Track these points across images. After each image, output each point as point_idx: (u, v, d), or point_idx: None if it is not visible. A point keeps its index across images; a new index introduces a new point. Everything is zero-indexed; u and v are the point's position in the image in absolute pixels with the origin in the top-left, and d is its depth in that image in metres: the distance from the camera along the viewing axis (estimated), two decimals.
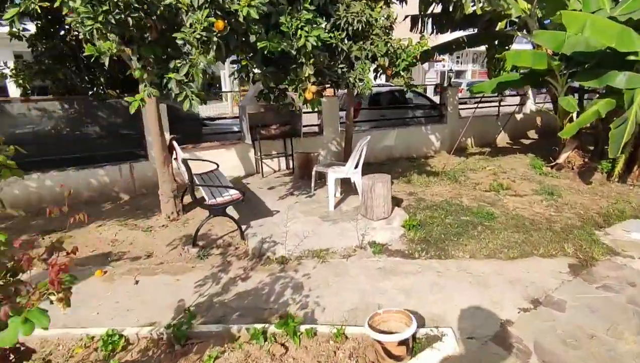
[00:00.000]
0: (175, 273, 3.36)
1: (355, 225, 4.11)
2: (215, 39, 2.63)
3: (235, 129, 7.36)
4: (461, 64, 32.75)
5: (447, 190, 5.60)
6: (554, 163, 6.51)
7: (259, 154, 6.30)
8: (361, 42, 3.66)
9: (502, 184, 5.69)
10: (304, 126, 7.22)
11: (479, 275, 3.28)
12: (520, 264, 3.46)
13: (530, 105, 9.84)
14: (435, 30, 7.52)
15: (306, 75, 3.24)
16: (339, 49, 3.57)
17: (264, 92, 3.71)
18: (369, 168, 7.15)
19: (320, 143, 7.07)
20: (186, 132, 6.19)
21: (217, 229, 4.25)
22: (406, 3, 5.72)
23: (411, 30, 7.76)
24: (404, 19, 7.68)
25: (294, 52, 3.11)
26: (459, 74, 32.16)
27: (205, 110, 8.81)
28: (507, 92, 11.46)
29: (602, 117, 5.41)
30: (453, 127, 8.54)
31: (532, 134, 10.17)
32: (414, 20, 7.72)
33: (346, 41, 3.62)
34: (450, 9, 5.85)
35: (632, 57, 4.93)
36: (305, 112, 7.52)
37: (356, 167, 4.76)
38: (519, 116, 9.77)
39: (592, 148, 6.75)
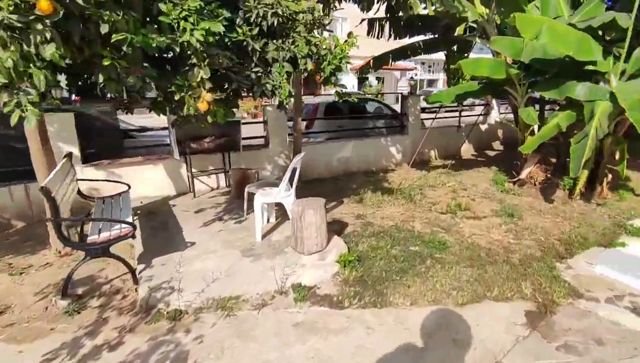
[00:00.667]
0: (23, 339, 2.55)
1: (280, 261, 3.41)
2: (40, 25, 1.89)
3: (168, 141, 6.54)
4: (433, 72, 32.97)
5: (400, 212, 4.99)
6: (516, 178, 6.06)
7: (191, 171, 5.51)
8: (280, 41, 3.01)
9: (460, 204, 5.15)
10: (248, 138, 6.51)
11: (419, 331, 2.64)
12: (470, 313, 2.85)
13: (494, 116, 9.51)
14: (393, 35, 7.01)
15: (198, 79, 2.53)
16: (251, 48, 2.90)
17: (157, 100, 2.98)
18: (321, 184, 6.52)
19: (266, 157, 6.36)
20: (104, 146, 5.35)
21: (110, 269, 3.44)
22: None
23: (368, 35, 7.22)
24: (360, 23, 7.14)
25: (177, 50, 2.41)
26: (431, 82, 32.34)
27: (139, 120, 7.91)
28: (477, 102, 11.17)
29: (563, 130, 4.98)
30: (415, 138, 8.04)
31: (498, 145, 9.85)
32: (371, 23, 7.19)
33: (261, 39, 2.95)
34: (404, 12, 5.28)
35: (590, 67, 4.50)
36: (248, 123, 6.82)
37: (289, 189, 4.07)
38: (483, 127, 9.41)
39: (555, 160, 6.37)
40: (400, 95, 8.22)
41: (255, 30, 2.93)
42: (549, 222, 4.53)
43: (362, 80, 27.95)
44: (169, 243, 3.86)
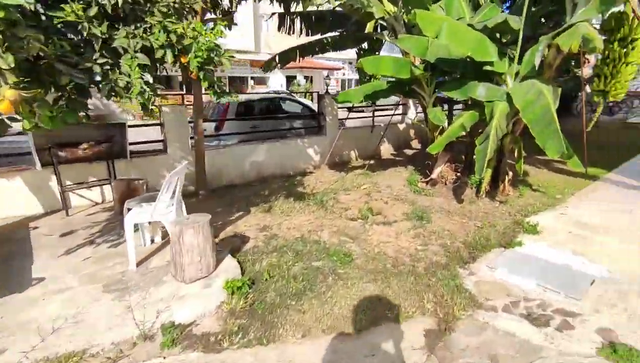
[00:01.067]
0: None
1: (154, 294, 2.81)
2: None
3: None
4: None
5: (309, 221, 4.63)
6: (428, 178, 6.07)
7: (61, 184, 4.58)
8: (131, 27, 2.42)
9: (372, 209, 4.94)
10: (142, 143, 5.69)
11: None
12: (368, 339, 2.54)
13: (412, 115, 9.70)
14: (305, 31, 6.64)
15: None
16: (88, 33, 2.26)
17: None
18: (230, 192, 5.94)
19: (165, 164, 5.60)
20: None
21: None
22: None
23: (279, 30, 6.77)
24: (271, 17, 6.66)
25: None
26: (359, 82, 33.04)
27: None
28: (400, 100, 11.33)
29: (468, 130, 5.02)
30: (333, 139, 7.81)
31: (416, 143, 10.07)
32: (282, 18, 6.76)
33: (104, 22, 2.33)
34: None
35: (488, 68, 4.55)
36: (139, 125, 6.00)
37: (171, 203, 3.46)
38: (402, 126, 9.54)
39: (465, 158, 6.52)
40: (317, 94, 7.91)
41: (94, 11, 2.29)
42: (456, 224, 4.49)
43: (290, 79, 27.58)
44: (7, 281, 3.03)
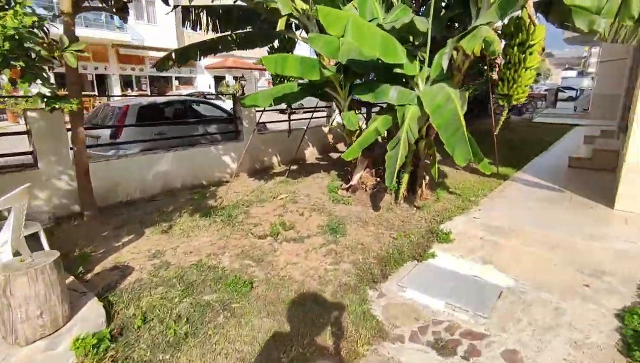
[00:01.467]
0: None
1: None
2: None
3: None
4: None
5: (211, 242, 4.07)
6: (348, 185, 5.81)
7: None
8: None
9: (285, 223, 4.52)
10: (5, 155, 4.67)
11: None
12: None
13: (337, 118, 9.49)
14: (211, 27, 6.01)
15: None
16: None
17: None
18: (127, 209, 5.13)
19: (37, 181, 4.62)
20: None
21: None
22: None
23: (183, 25, 6.06)
24: (173, 9, 5.91)
25: None
26: None
27: None
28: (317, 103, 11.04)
29: (382, 135, 4.82)
30: (252, 145, 7.26)
31: (342, 146, 9.90)
32: (186, 11, 6.05)
33: None
34: None
35: (398, 70, 4.37)
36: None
37: (4, 239, 2.69)
38: (326, 129, 9.29)
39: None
40: (232, 96, 7.31)
41: None
42: (370, 236, 4.23)
43: (219, 80, 26.36)
44: None
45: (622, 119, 7.80)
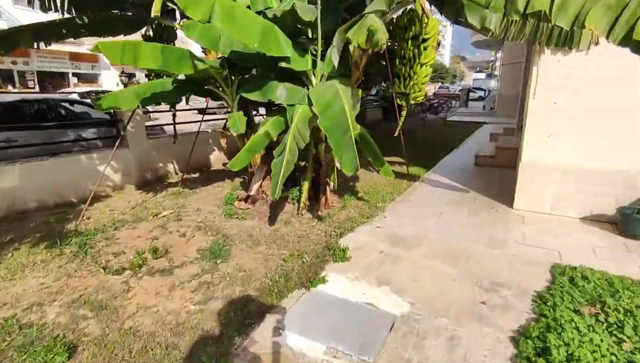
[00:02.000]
0: None
1: None
2: None
3: None
4: None
5: (43, 285, 3.10)
6: (246, 195, 5.12)
7: None
8: None
9: (157, 248, 3.70)
10: None
11: None
12: None
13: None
14: (68, 8, 4.85)
15: None
16: None
17: None
18: None
19: None
20: None
21: None
22: None
23: (29, 4, 4.83)
24: None
25: None
26: None
27: None
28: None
29: (275, 139, 4.21)
30: (141, 151, 6.23)
31: None
32: None
33: None
34: None
35: (284, 64, 3.79)
36: None
37: None
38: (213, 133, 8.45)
39: None
40: (81, 95, 6.16)
41: None
42: (259, 259, 3.59)
43: (132, 77, 23.88)
44: None
45: (519, 116, 8.21)
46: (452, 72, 63.14)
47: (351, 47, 4.14)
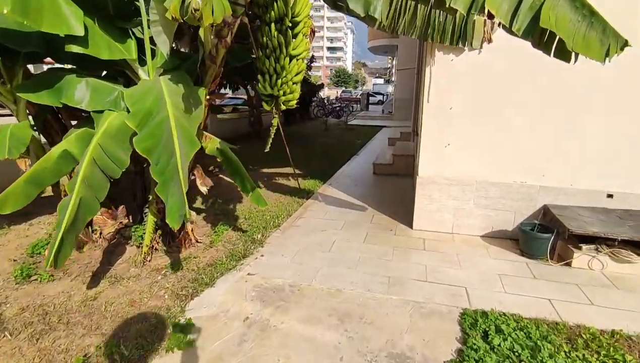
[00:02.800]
0: None
1: None
2: None
3: None
4: None
5: None
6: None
7: None
8: None
9: None
10: None
11: None
12: None
13: None
14: None
15: None
16: None
17: None
18: None
19: None
20: None
21: None
22: None
23: None
24: None
25: None
26: None
27: None
28: None
29: (78, 162, 2.81)
30: None
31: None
32: None
33: None
34: None
35: (75, 48, 2.44)
36: None
37: None
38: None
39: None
40: None
41: None
42: (32, 359, 2.19)
43: None
44: None
45: (414, 122, 7.99)
46: (354, 78, 66.04)
47: (201, 32, 2.99)
